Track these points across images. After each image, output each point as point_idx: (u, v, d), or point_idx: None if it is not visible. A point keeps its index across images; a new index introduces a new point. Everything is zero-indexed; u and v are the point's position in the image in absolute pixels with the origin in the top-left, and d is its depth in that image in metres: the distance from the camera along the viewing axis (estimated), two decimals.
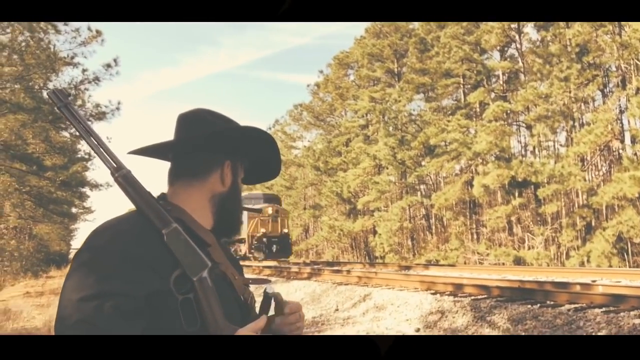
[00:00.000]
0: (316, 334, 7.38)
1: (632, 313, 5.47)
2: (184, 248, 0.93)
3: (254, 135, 1.13)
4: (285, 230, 23.16)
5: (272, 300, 1.03)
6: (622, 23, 17.99)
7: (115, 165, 0.98)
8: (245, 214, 20.35)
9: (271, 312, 1.05)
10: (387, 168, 26.28)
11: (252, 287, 1.10)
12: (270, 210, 22.79)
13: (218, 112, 1.15)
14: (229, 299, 0.99)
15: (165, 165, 1.15)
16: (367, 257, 17.47)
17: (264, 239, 22.20)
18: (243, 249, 23.06)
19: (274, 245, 22.40)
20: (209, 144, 1.09)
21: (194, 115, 1.12)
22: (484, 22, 23.11)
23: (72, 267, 0.91)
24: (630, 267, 15.96)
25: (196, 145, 1.09)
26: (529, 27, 24.29)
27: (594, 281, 7.87)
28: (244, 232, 22.71)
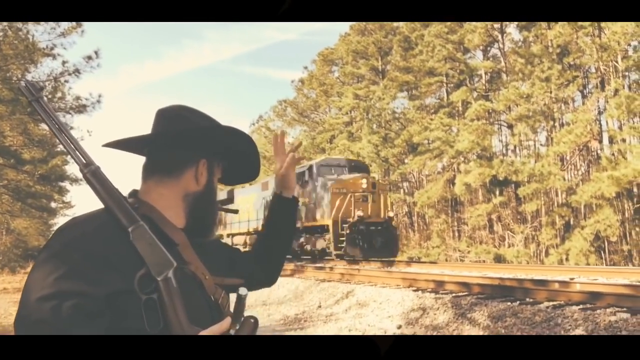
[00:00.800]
0: (299, 330, 7.39)
1: (608, 310, 5.59)
2: (149, 247, 0.91)
3: (232, 135, 1.11)
4: (391, 214, 15.37)
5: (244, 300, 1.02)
6: (602, 26, 18.31)
7: (84, 161, 0.96)
8: (327, 185, 15.14)
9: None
10: (371, 165, 26.40)
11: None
12: (364, 184, 14.86)
13: (197, 109, 1.13)
14: (198, 300, 0.97)
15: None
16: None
17: (362, 227, 14.37)
18: (322, 242, 15.64)
19: (378, 238, 14.39)
20: (184, 141, 1.07)
21: (173, 111, 1.10)
22: (468, 22, 23.29)
23: (35, 264, 0.89)
24: (607, 265, 16.31)
25: (171, 141, 1.07)
26: (512, 28, 24.58)
27: (572, 279, 8.02)
28: (325, 217, 15.29)
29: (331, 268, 12.87)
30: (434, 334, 6.27)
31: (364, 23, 32.33)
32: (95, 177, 0.96)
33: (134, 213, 0.94)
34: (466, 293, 7.52)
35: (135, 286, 0.89)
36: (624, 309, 5.53)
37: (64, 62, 17.42)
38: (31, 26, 15.78)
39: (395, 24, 31.27)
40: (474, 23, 23.25)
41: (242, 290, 0.98)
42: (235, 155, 1.16)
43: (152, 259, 0.91)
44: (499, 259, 18.78)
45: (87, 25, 17.33)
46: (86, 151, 0.97)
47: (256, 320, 0.95)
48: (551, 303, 6.26)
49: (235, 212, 1.39)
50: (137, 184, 1.10)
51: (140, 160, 1.12)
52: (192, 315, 0.91)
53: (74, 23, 17.09)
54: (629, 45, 18.55)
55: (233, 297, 1.03)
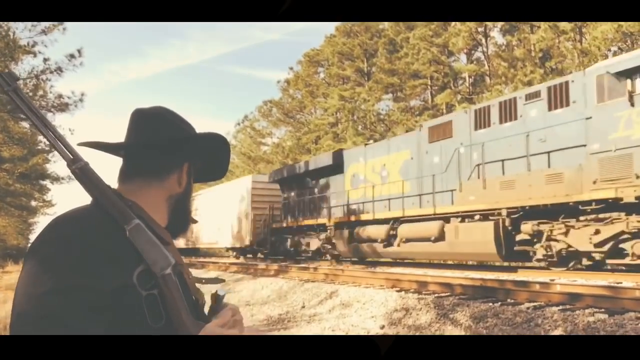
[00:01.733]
0: (282, 331, 7.38)
1: (586, 311, 5.69)
2: (147, 244, 0.92)
3: (212, 139, 1.16)
4: None
5: (223, 301, 1.03)
6: (583, 31, 18.64)
7: (71, 157, 0.95)
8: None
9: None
10: None
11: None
12: None
13: (174, 110, 1.15)
14: (187, 298, 0.98)
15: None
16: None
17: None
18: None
19: None
20: (174, 147, 1.10)
21: (155, 114, 1.11)
22: (454, 24, 23.50)
23: (31, 259, 0.88)
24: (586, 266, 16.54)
25: (161, 148, 1.09)
26: (495, 32, 24.89)
27: (552, 280, 8.14)
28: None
29: (315, 268, 12.88)
30: (417, 334, 6.32)
31: (349, 24, 32.44)
32: (85, 174, 0.95)
33: (129, 211, 0.95)
34: (449, 294, 7.59)
35: (135, 282, 0.90)
36: (602, 310, 5.64)
37: (45, 60, 17.16)
38: (11, 23, 15.51)
39: (380, 26, 31.44)
40: (458, 26, 23.49)
41: (221, 291, 1.00)
42: (211, 157, 1.21)
43: (152, 256, 0.92)
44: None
45: (69, 22, 17.11)
46: (72, 146, 0.95)
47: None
48: (532, 304, 6.35)
49: (195, 221, 1.37)
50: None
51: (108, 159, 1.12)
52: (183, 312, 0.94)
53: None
54: (609, 50, 18.92)
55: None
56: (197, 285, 1.07)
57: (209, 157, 1.21)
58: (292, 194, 18.21)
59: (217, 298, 1.01)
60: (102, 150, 1.09)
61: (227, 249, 23.67)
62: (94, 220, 0.93)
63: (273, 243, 19.12)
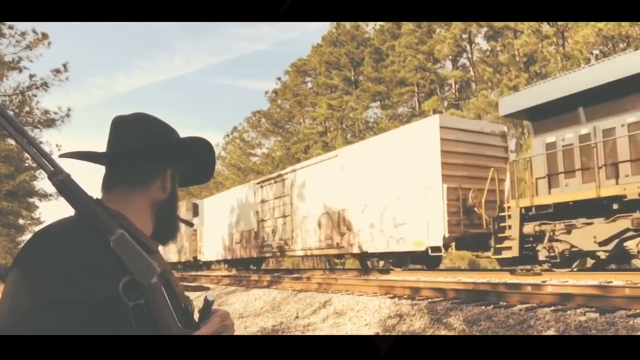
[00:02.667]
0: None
1: (578, 311, 5.74)
2: (132, 254, 0.92)
3: (196, 144, 1.15)
4: None
5: (212, 307, 1.03)
6: (565, 35, 18.96)
7: (52, 169, 0.94)
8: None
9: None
10: None
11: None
12: None
13: (155, 116, 1.14)
14: (175, 306, 0.97)
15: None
16: (327, 264, 17.40)
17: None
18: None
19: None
20: (156, 153, 1.09)
21: (135, 121, 1.11)
22: (438, 31, 23.76)
23: (14, 272, 0.87)
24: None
25: (142, 155, 1.08)
26: (480, 38, 25.21)
27: (544, 282, 8.19)
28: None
29: (308, 278, 12.84)
30: None
31: (335, 34, 32.67)
32: (66, 185, 0.94)
33: (113, 221, 0.95)
34: (441, 299, 7.61)
35: (121, 293, 0.89)
36: (593, 309, 5.69)
37: (31, 76, 17.07)
38: None
39: (366, 35, 31.70)
40: (443, 33, 23.76)
41: (210, 296, 1.00)
42: (195, 161, 1.20)
43: (137, 266, 0.91)
44: (473, 265, 19.05)
45: (54, 37, 17.06)
46: (53, 158, 0.96)
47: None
48: (524, 306, 6.39)
49: (191, 225, 1.34)
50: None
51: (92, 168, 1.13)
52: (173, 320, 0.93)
53: (39, 35, 16.79)
54: (591, 54, 19.25)
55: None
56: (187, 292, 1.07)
57: (193, 162, 1.20)
58: (563, 135, 9.33)
59: (206, 304, 1.01)
60: (85, 160, 1.09)
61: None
62: (76, 232, 0.92)
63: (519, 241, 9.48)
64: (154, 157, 1.09)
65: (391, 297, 8.22)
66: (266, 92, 40.72)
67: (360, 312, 7.86)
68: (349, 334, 7.06)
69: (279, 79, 39.57)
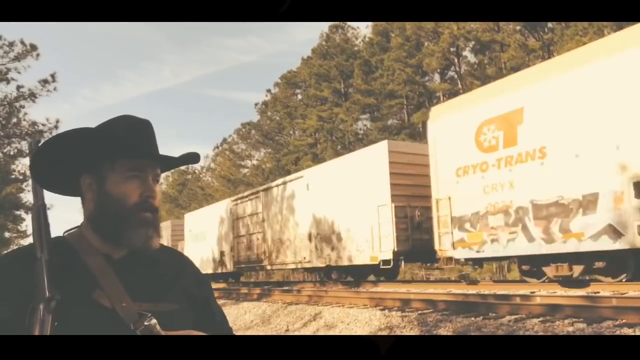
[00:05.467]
0: None
1: (566, 321, 5.79)
2: (38, 278, 0.93)
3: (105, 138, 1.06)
4: None
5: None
6: (551, 49, 19.29)
7: (36, 199, 1.02)
8: None
9: None
10: None
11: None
12: None
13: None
14: (101, 329, 0.94)
15: None
16: (317, 276, 17.40)
17: None
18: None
19: None
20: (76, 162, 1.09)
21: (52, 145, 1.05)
22: (426, 44, 24.00)
23: None
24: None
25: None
26: (467, 51, 25.55)
27: (532, 293, 8.24)
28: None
29: (299, 291, 12.79)
30: None
31: (325, 47, 32.91)
32: (33, 214, 1.00)
33: (42, 245, 0.96)
34: (431, 310, 7.62)
35: (21, 317, 0.90)
36: (581, 319, 5.75)
37: (19, 87, 16.96)
38: None
39: (355, 48, 31.98)
40: (431, 47, 24.06)
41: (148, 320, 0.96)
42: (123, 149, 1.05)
43: (36, 290, 0.92)
44: (463, 276, 19.10)
45: (40, 47, 16.99)
46: (42, 189, 1.02)
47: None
48: (513, 317, 6.43)
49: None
50: None
51: None
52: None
53: (28, 46, 16.73)
54: None
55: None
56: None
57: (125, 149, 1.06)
58: None
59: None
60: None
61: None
62: (8, 259, 1.03)
63: None
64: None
65: (381, 309, 8.22)
66: (256, 104, 40.79)
67: (350, 325, 7.84)
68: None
69: (268, 90, 39.69)
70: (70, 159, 1.04)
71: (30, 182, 1.02)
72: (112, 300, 0.97)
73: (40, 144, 1.02)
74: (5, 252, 1.04)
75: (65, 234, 1.08)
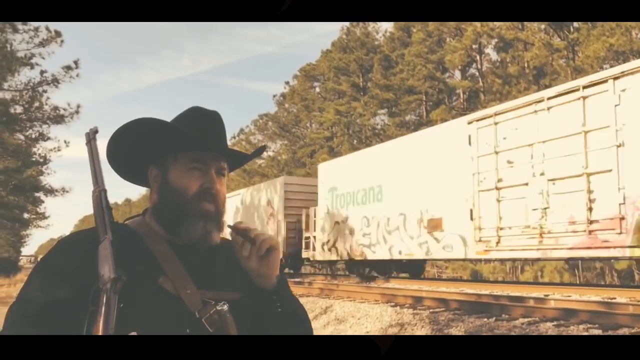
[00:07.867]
0: None
1: (581, 327, 5.70)
2: (102, 259, 0.92)
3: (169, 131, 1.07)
4: None
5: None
6: (576, 49, 18.92)
7: (97, 184, 1.02)
8: None
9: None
10: None
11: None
12: None
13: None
14: (166, 315, 0.94)
15: None
16: (329, 269, 17.48)
17: None
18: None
19: None
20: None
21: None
22: (449, 41, 23.72)
23: None
24: (580, 282, 16.61)
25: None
26: (490, 49, 25.19)
27: (546, 296, 8.14)
28: None
29: (310, 283, 12.83)
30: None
31: (345, 40, 32.75)
32: (93, 199, 1.01)
33: (105, 227, 0.96)
34: (443, 309, 7.58)
35: (84, 297, 0.89)
36: (596, 326, 5.66)
37: (42, 72, 17.20)
38: (9, 35, 15.58)
39: (376, 42, 31.76)
40: (454, 43, 23.77)
41: None
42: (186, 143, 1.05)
43: (101, 271, 0.91)
44: (475, 275, 18.97)
45: (66, 35, 17.19)
46: (102, 175, 1.04)
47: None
48: (526, 319, 6.36)
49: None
50: None
51: None
52: (155, 330, 0.89)
53: (53, 32, 16.94)
54: (601, 68, 19.19)
55: None
56: None
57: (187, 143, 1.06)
58: None
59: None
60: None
61: None
62: (76, 239, 1.01)
63: None
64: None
65: (393, 306, 8.20)
66: (274, 96, 40.89)
67: (361, 320, 7.84)
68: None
69: (287, 83, 39.72)
70: (141, 150, 1.07)
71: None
72: (177, 287, 0.97)
73: (113, 133, 1.05)
74: (70, 234, 1.04)
75: (127, 221, 1.09)
